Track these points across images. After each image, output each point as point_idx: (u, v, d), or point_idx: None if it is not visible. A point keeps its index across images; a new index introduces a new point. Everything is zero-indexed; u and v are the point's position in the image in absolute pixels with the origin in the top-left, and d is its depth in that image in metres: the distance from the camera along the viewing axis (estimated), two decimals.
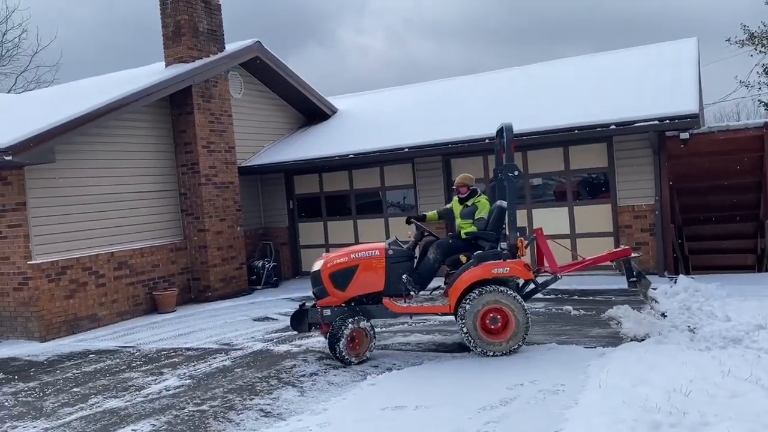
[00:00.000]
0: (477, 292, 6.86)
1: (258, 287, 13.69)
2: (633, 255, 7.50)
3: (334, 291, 7.21)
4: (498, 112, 12.58)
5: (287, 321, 8.20)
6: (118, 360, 8.33)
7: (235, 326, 9.88)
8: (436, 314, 7.40)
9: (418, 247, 7.53)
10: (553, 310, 9.25)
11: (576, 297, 10.07)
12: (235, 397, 6.26)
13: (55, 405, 6.53)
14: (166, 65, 12.86)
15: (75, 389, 7.09)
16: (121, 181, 11.58)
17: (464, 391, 5.82)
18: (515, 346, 6.90)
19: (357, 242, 14.25)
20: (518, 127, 11.37)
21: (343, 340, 6.92)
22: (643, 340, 7.02)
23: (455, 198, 7.74)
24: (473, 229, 7.33)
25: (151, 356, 8.38)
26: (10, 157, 9.17)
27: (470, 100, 14.27)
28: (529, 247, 7.63)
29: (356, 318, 7.06)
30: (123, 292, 11.38)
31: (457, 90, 15.54)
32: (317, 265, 7.39)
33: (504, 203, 7.27)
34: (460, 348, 7.47)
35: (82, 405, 6.46)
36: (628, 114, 10.71)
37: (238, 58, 13.58)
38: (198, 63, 12.58)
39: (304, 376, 6.79)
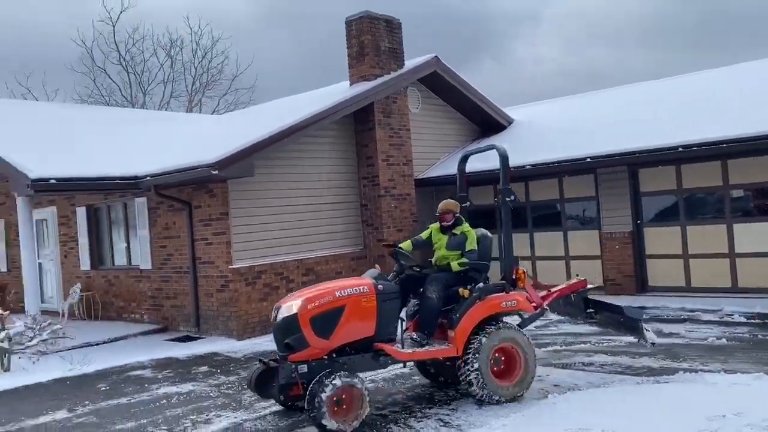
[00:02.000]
0: (490, 329, 6.18)
1: None
2: (589, 287, 7.21)
3: (316, 340, 5.76)
4: (690, 118, 11.65)
5: None
6: None
7: None
8: (437, 358, 6.51)
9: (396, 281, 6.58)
10: (759, 336, 8.30)
11: None
12: (414, 405, 6.37)
13: (252, 399, 7.06)
14: (351, 84, 13.58)
15: None
16: (308, 192, 12.40)
17: (655, 417, 5.40)
18: (524, 391, 6.30)
19: (533, 256, 13.93)
20: (717, 135, 10.46)
21: (325, 404, 5.45)
22: None
23: (435, 226, 6.94)
24: (465, 260, 6.55)
25: None
26: (216, 172, 10.20)
27: (657, 106, 13.33)
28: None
29: (341, 373, 5.64)
30: None
31: (641, 97, 14.62)
32: (290, 309, 5.86)
33: (487, 232, 6.88)
34: (648, 372, 6.97)
35: (275, 401, 6.93)
36: None
37: (416, 74, 13.97)
38: (379, 80, 13.13)
39: None
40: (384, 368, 6.35)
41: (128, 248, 13.39)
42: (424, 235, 6.97)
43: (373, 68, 13.27)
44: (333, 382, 5.51)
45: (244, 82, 39.69)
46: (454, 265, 6.49)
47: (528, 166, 12.75)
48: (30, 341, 9.22)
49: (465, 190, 7.54)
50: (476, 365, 6.02)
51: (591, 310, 7.15)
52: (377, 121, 13.06)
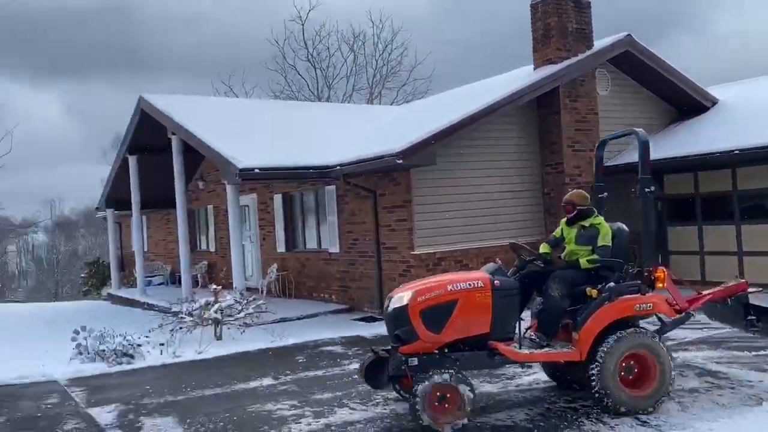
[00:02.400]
0: (620, 334, 5.65)
1: None
2: (750, 290, 6.40)
3: (426, 333, 5.60)
4: None
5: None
6: None
7: None
8: (559, 362, 6.07)
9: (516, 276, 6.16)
10: None
11: None
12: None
13: None
14: (535, 68, 13.22)
15: None
16: (488, 181, 12.31)
17: None
18: (659, 402, 5.60)
19: (740, 251, 12.58)
20: None
21: (426, 399, 5.30)
22: None
23: (564, 220, 6.50)
24: (595, 257, 6.01)
25: None
26: (400, 161, 10.52)
27: None
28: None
29: (448, 370, 5.43)
30: None
31: None
32: (401, 300, 5.77)
33: (624, 226, 6.37)
34: None
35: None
36: None
37: (605, 55, 13.23)
38: (565, 63, 12.64)
39: (681, 390, 6.24)
40: (498, 368, 6.16)
41: (318, 233, 14.31)
42: (556, 232, 6.63)
43: (559, 51, 12.79)
44: (437, 377, 5.35)
45: (422, 72, 40.38)
46: (583, 262, 6.08)
47: (736, 151, 11.53)
48: (238, 314, 10.22)
49: (602, 180, 7.02)
50: (602, 372, 5.61)
51: (752, 317, 6.32)
52: (563, 106, 12.58)
